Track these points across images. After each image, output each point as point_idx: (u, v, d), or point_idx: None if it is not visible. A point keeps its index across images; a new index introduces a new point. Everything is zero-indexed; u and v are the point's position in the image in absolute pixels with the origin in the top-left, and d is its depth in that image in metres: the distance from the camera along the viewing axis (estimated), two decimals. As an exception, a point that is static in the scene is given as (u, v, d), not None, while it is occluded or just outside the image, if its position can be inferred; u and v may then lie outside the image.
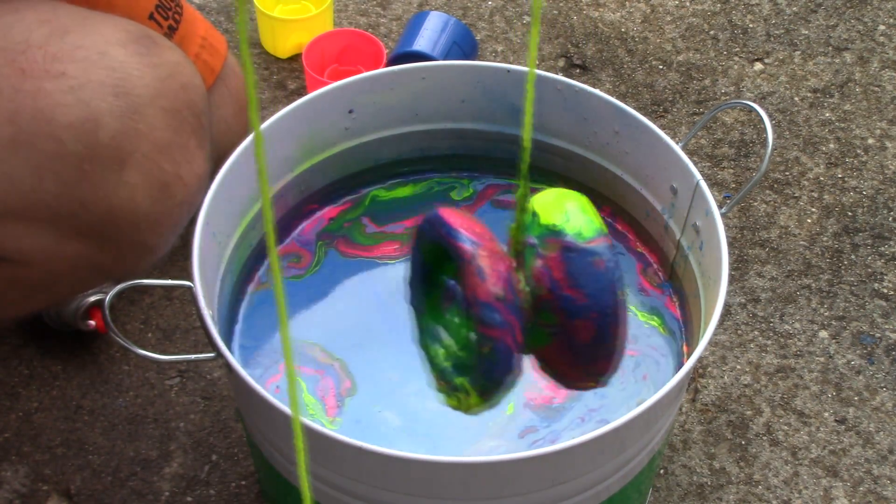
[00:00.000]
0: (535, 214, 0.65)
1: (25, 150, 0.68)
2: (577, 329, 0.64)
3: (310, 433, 0.76)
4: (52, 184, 0.70)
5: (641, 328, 0.96)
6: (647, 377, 0.94)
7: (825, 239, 1.28)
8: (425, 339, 0.69)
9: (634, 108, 0.97)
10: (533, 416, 0.91)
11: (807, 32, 1.52)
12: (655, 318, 0.97)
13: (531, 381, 0.93)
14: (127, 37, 0.72)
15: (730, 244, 1.25)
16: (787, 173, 1.35)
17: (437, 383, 0.69)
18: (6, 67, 0.68)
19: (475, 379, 0.64)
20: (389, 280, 1.00)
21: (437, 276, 0.67)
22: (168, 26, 0.98)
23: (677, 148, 0.93)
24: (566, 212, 0.64)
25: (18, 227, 0.72)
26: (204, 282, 0.83)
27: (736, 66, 1.47)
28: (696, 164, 1.02)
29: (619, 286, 0.63)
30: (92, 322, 1.09)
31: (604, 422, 0.90)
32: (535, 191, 0.65)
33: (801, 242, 1.28)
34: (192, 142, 0.74)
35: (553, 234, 0.63)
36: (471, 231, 0.61)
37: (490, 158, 1.05)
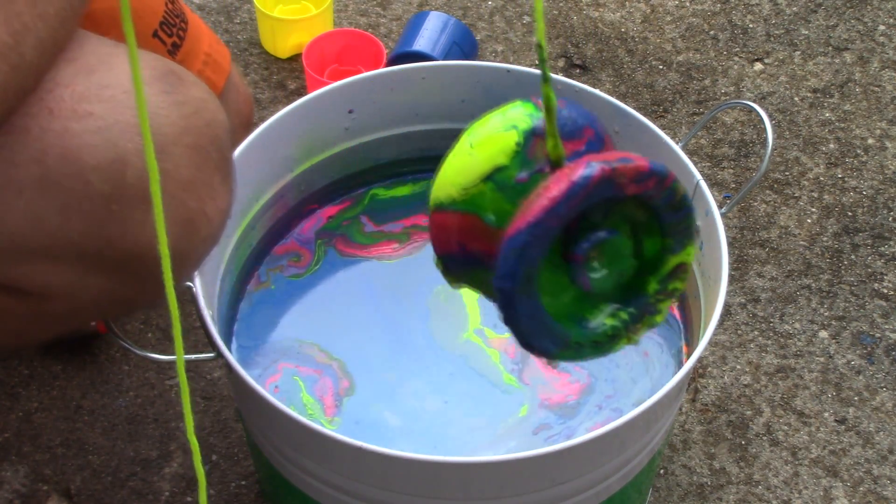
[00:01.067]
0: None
1: (53, 190, 0.69)
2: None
3: (310, 433, 0.76)
4: (78, 223, 0.70)
5: None
6: (648, 354, 0.94)
7: (825, 239, 1.28)
8: (579, 332, 0.60)
9: (634, 108, 0.97)
10: (548, 415, 0.91)
11: (807, 32, 1.52)
12: None
13: (544, 381, 0.93)
14: (152, 74, 0.72)
15: (730, 244, 1.25)
16: (787, 173, 1.35)
17: (632, 338, 0.61)
18: (34, 106, 0.68)
19: (686, 230, 0.64)
20: (388, 279, 1.00)
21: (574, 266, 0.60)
22: (172, 43, 0.97)
23: (677, 148, 0.93)
24: (509, 122, 0.62)
25: (44, 265, 0.72)
26: (204, 282, 0.83)
27: (736, 66, 1.47)
28: (696, 164, 1.02)
29: (582, 107, 0.64)
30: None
31: (618, 410, 0.90)
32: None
33: (801, 242, 1.28)
34: (216, 178, 0.74)
35: (533, 138, 0.62)
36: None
37: (490, 158, 1.05)
